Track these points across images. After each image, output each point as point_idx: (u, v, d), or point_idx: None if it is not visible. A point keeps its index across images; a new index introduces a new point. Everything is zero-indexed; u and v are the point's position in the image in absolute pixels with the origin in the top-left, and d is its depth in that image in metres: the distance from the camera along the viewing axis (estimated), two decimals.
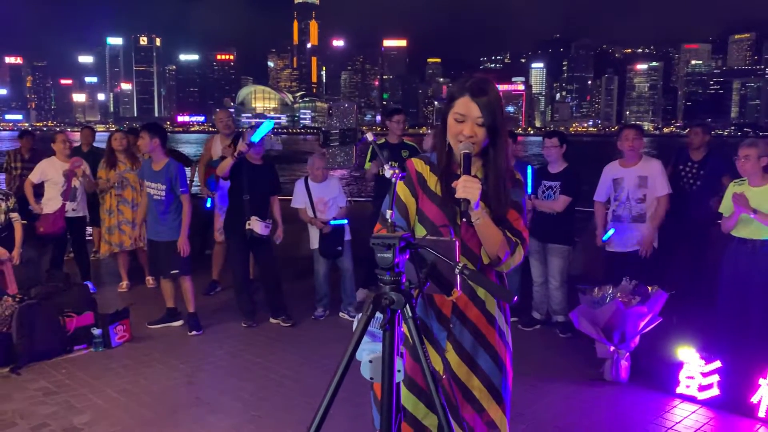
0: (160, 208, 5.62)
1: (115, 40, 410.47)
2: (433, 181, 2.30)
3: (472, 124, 2.18)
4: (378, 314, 1.79)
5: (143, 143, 5.65)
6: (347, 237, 6.19)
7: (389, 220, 1.77)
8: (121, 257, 7.27)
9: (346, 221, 6.09)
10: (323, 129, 1.86)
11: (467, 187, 2.01)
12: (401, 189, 2.30)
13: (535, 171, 5.90)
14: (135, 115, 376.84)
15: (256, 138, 5.66)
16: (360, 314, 1.95)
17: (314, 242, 6.18)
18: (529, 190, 5.77)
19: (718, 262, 5.00)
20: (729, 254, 4.85)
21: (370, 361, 1.85)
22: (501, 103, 2.21)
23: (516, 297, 1.83)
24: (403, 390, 2.23)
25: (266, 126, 5.76)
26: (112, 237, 7.14)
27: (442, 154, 2.31)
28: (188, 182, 6.14)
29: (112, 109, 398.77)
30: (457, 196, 2.02)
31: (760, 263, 4.64)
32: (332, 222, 6.02)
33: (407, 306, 1.71)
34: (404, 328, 1.86)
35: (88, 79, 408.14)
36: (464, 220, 2.21)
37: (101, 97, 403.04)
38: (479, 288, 2.26)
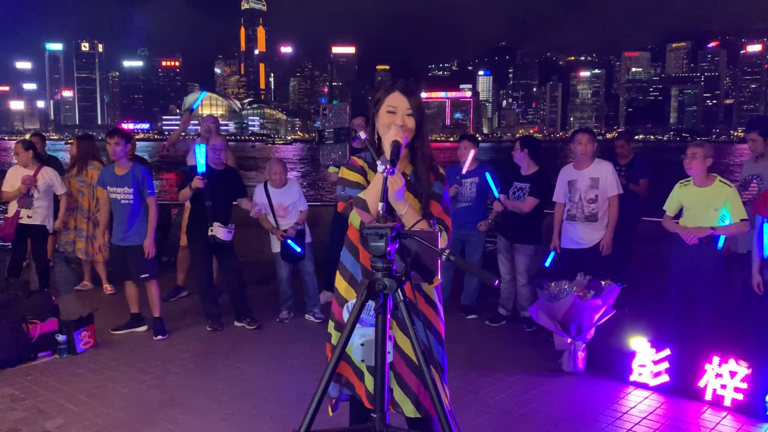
0: (128, 212, 5.61)
1: (54, 46, 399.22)
2: (372, 177, 2.53)
3: (403, 114, 2.48)
4: (369, 302, 1.93)
5: (119, 148, 5.63)
6: (308, 240, 6.29)
7: (380, 212, 1.91)
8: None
9: (300, 249, 6.15)
10: (318, 128, 2.00)
11: (398, 134, 2.32)
12: (352, 174, 2.52)
13: (508, 172, 6.21)
14: (77, 123, 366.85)
15: (201, 168, 5.75)
16: (350, 302, 2.09)
17: (275, 246, 6.25)
18: (496, 193, 6.04)
19: (666, 256, 5.30)
20: (676, 249, 5.15)
21: (362, 345, 1.99)
22: (422, 101, 2.58)
23: (498, 281, 2.00)
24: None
25: (201, 152, 5.79)
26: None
27: (376, 153, 2.55)
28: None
29: (52, 117, 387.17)
30: (389, 138, 2.31)
31: (705, 257, 4.95)
32: (289, 242, 6.11)
33: (398, 290, 1.86)
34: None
35: (26, 86, 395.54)
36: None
37: (41, 104, 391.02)
38: None
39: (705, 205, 4.93)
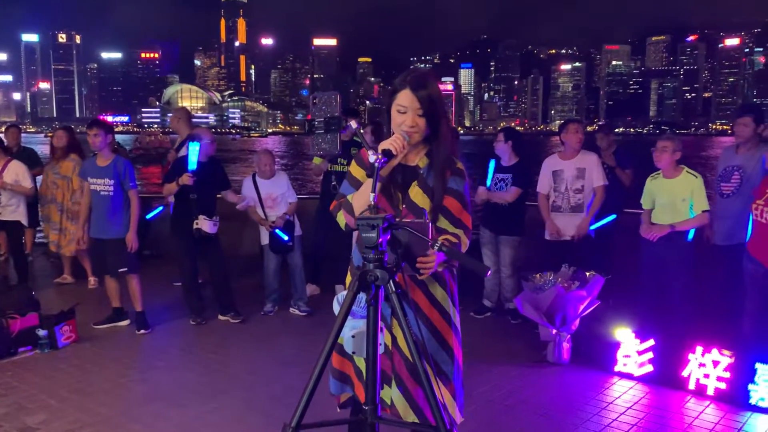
0: (107, 204, 5.51)
1: (30, 37, 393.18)
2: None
3: (413, 115, 2.35)
4: (360, 294, 1.91)
5: (98, 140, 5.52)
6: (297, 232, 6.26)
7: (372, 203, 1.89)
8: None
9: (287, 238, 6.13)
10: (301, 119, 2.00)
11: (394, 143, 2.23)
12: (357, 171, 2.46)
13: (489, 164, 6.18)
14: (54, 115, 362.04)
15: (192, 166, 5.66)
16: (341, 294, 2.07)
17: (264, 238, 6.21)
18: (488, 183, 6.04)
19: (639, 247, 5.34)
20: (645, 241, 5.18)
21: (353, 336, 1.97)
22: (440, 95, 2.42)
23: (490, 271, 1.98)
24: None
25: (194, 150, 5.72)
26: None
27: (366, 142, 2.51)
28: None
29: (29, 109, 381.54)
30: (383, 146, 2.20)
31: (672, 248, 5.02)
32: (277, 232, 6.08)
33: (390, 282, 1.84)
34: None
35: (1, 77, 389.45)
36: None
37: (17, 96, 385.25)
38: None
39: (673, 196, 5.02)
